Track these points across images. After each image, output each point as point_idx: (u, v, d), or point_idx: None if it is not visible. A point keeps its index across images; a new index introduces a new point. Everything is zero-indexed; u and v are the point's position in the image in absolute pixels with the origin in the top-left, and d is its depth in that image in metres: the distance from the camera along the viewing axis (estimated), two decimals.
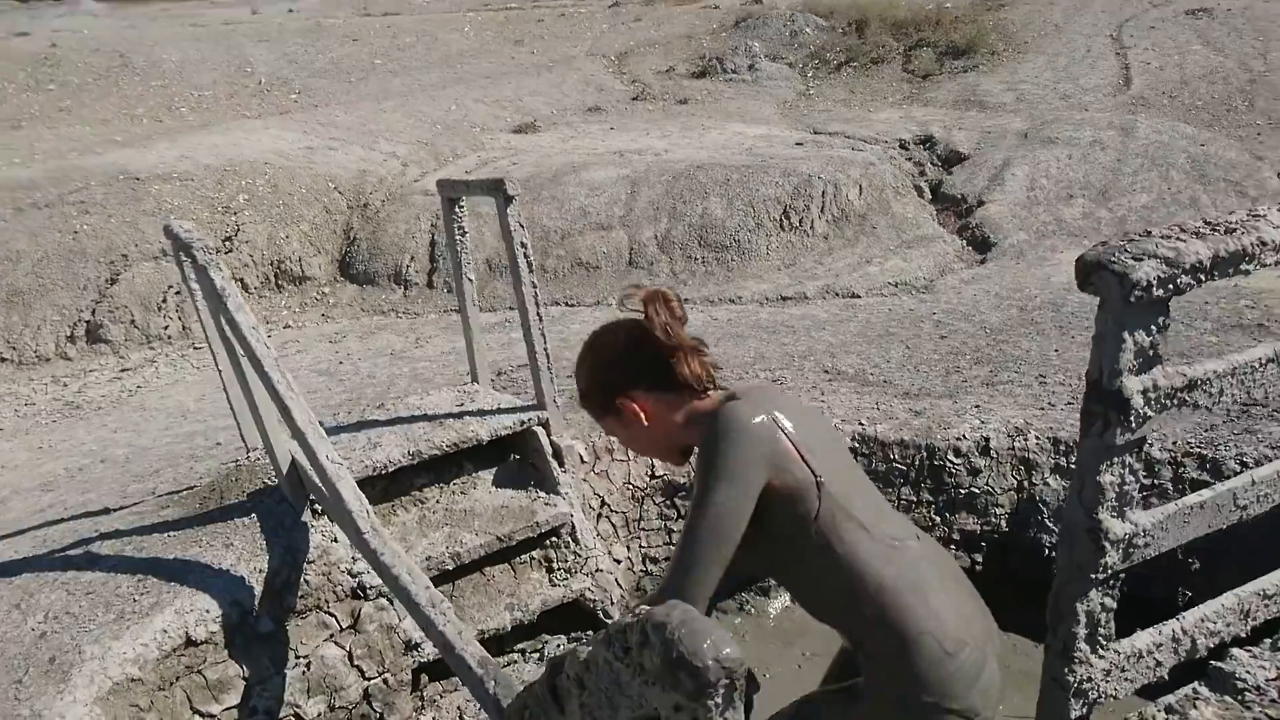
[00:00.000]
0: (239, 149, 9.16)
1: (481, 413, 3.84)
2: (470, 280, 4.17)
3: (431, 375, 5.86)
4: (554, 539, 3.69)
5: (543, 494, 3.73)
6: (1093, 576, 2.12)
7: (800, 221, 7.84)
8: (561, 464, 3.81)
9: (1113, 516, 2.07)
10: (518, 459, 3.94)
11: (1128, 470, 2.06)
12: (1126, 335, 1.90)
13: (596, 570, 3.70)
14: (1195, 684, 2.45)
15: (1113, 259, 1.80)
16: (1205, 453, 3.98)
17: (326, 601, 3.31)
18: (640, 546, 4.46)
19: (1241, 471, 3.80)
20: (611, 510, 4.35)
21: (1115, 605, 2.20)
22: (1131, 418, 2.06)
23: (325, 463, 2.90)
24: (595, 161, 8.87)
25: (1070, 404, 4.66)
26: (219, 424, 5.33)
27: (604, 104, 12.13)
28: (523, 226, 3.64)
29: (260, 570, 3.23)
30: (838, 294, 7.14)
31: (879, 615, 1.72)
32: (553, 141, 10.20)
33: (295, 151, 9.21)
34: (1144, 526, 2.12)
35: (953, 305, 6.57)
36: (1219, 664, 2.45)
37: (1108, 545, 2.07)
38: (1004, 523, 4.25)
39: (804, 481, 1.66)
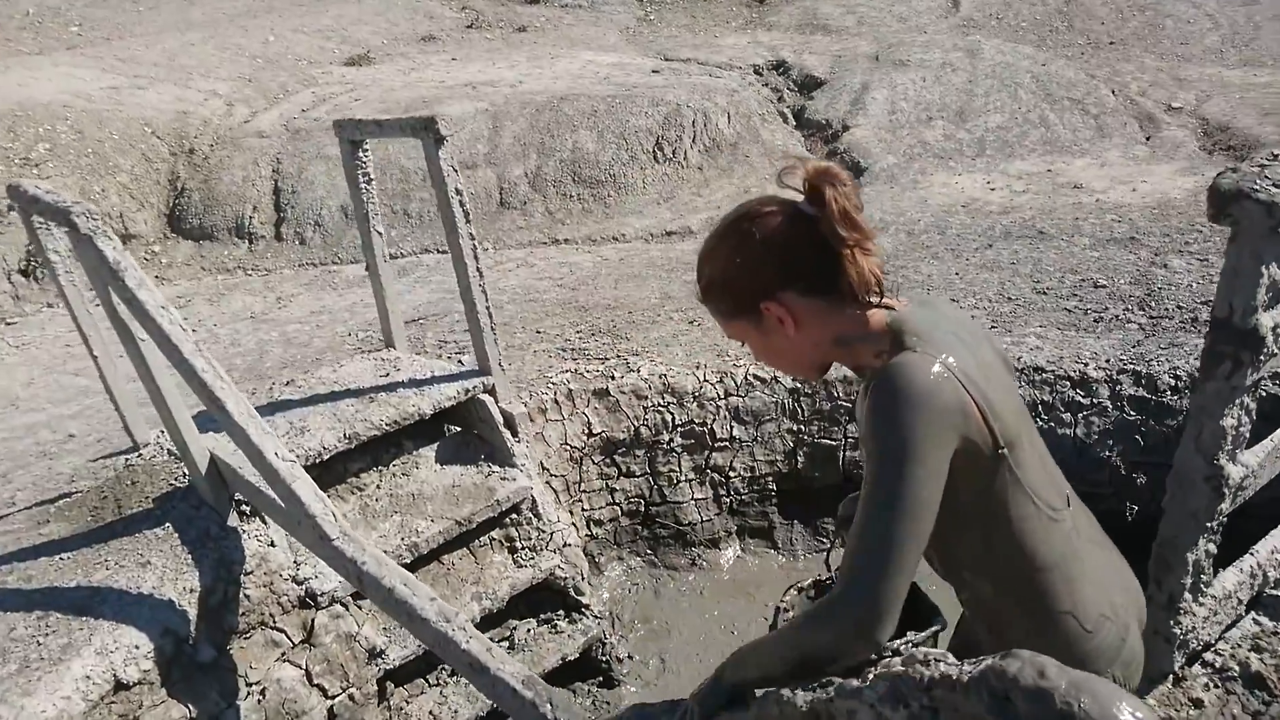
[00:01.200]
0: (27, 90, 7.95)
1: (416, 383, 3.42)
2: (379, 233, 3.69)
3: (308, 339, 5.29)
4: (514, 516, 3.36)
5: (497, 468, 3.38)
6: (1207, 525, 2.03)
7: (674, 153, 7.59)
8: (515, 433, 3.45)
9: (1230, 461, 1.97)
10: (459, 431, 3.55)
11: (1245, 412, 1.96)
12: (1264, 269, 1.76)
13: (564, 545, 3.40)
14: (1252, 614, 2.43)
15: (1255, 187, 1.64)
16: (1139, 369, 4.06)
17: (272, 616, 2.87)
18: (584, 510, 4.19)
19: (1174, 383, 3.90)
20: (551, 475, 4.04)
21: (1216, 550, 2.12)
22: (1263, 356, 1.95)
23: (276, 462, 2.45)
24: (447, 95, 8.26)
25: (993, 328, 4.68)
26: (63, 413, 4.62)
27: (437, 33, 11.35)
28: (456, 170, 3.21)
29: (190, 589, 2.75)
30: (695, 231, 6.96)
31: (1027, 593, 1.55)
32: (392, 74, 9.44)
33: (97, 92, 8.09)
34: (1252, 468, 2.04)
35: None
36: (1275, 593, 2.45)
37: (1226, 491, 1.97)
38: None
39: (985, 450, 1.42)
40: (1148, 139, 7.90)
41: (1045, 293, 5.20)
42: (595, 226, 7.09)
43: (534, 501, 3.38)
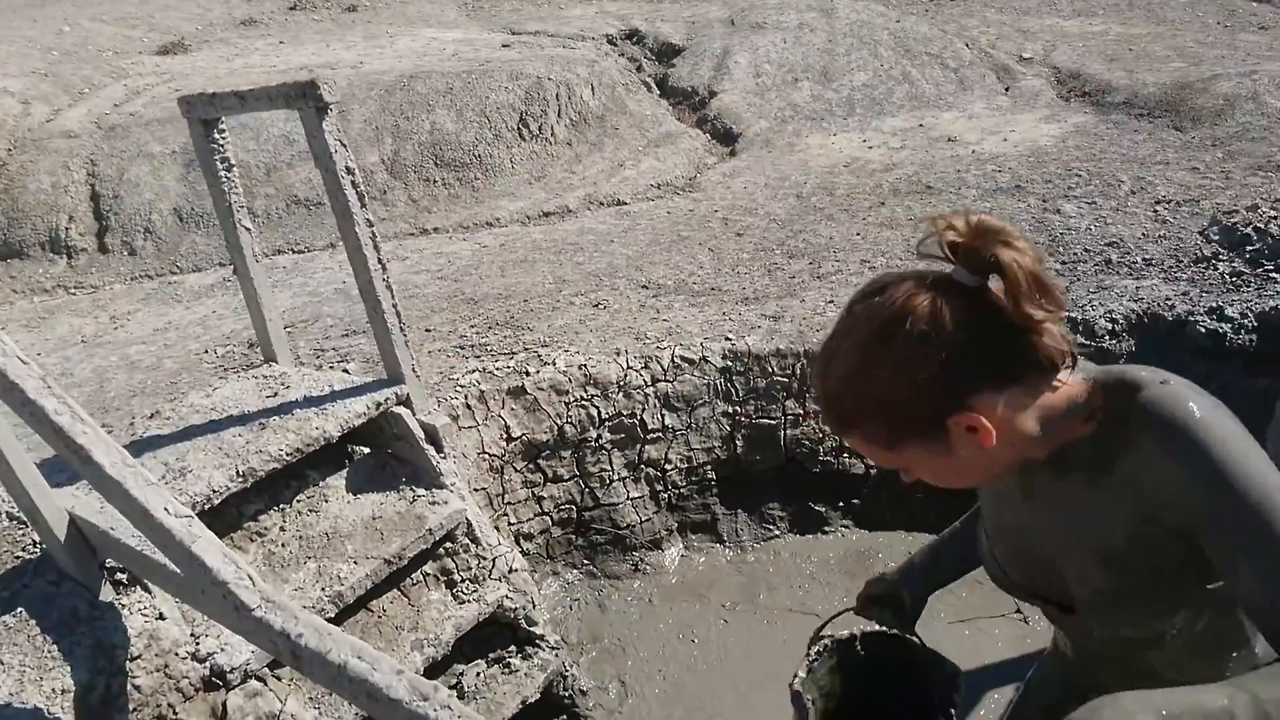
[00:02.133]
0: None
1: (313, 401, 2.89)
2: (247, 229, 3.12)
3: (156, 361, 4.59)
4: (449, 545, 2.89)
5: (423, 491, 2.89)
6: None
7: (540, 129, 7.12)
8: (440, 449, 2.97)
9: None
10: (370, 453, 3.04)
11: None
12: None
13: (510, 570, 2.95)
14: None
15: None
16: (1075, 315, 3.93)
17: (172, 706, 2.32)
18: (510, 524, 3.73)
19: (1112, 328, 3.78)
20: (470, 488, 3.57)
21: None
22: None
23: (169, 520, 1.92)
24: (281, 81, 7.50)
25: None
26: None
27: (257, 16, 10.41)
28: (345, 146, 2.70)
29: (62, 690, 2.18)
30: (602, 203, 6.57)
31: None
32: (214, 62, 8.55)
33: None
34: None
35: (730, 201, 6.24)
36: None
37: None
38: None
39: None
40: (1007, 90, 7.99)
41: None
42: (466, 212, 6.56)
43: (470, 525, 2.91)
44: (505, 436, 3.72)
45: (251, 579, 1.92)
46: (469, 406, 3.70)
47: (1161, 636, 1.22)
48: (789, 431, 3.96)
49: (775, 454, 3.99)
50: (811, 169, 6.74)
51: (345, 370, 3.99)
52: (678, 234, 5.71)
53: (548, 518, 3.79)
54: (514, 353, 4.04)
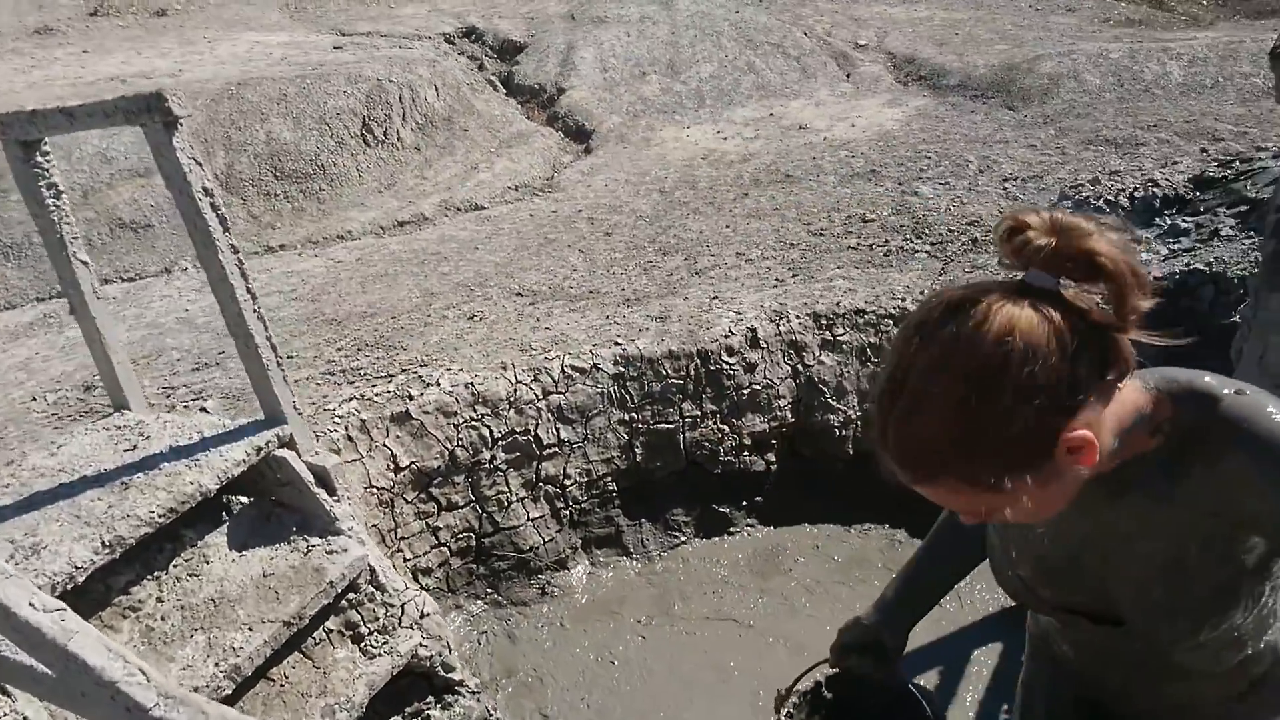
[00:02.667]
0: None
1: (181, 451, 2.58)
2: (84, 262, 2.76)
3: None
4: (352, 596, 2.63)
5: (318, 540, 2.62)
6: None
7: (386, 134, 6.78)
8: (332, 491, 2.70)
9: None
10: (250, 503, 2.74)
11: None
12: None
13: (421, 615, 2.71)
14: None
15: None
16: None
17: None
18: (405, 560, 3.48)
19: None
20: (365, 528, 3.30)
21: None
22: None
23: (37, 617, 1.62)
24: (92, 93, 6.85)
25: (796, 275, 4.47)
26: None
27: (53, 23, 9.52)
28: (200, 164, 2.40)
29: None
30: (460, 209, 6.31)
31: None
32: (8, 75, 7.74)
33: None
34: None
35: (592, 200, 6.10)
36: None
37: None
38: (789, 414, 3.95)
39: None
40: (848, 76, 8.16)
41: (821, 234, 5.09)
42: (313, 226, 6.16)
43: (373, 572, 2.66)
44: (393, 467, 3.46)
45: (144, 673, 1.65)
46: (350, 438, 3.42)
47: (1206, 638, 1.17)
48: (688, 434, 3.86)
49: (676, 458, 3.88)
50: (670, 163, 6.68)
51: (204, 409, 3.63)
52: (544, 237, 5.52)
53: (445, 549, 3.56)
54: (391, 375, 3.77)
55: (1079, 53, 7.67)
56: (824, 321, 4.01)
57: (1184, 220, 4.04)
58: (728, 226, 5.36)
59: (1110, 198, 4.57)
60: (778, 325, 3.97)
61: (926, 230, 4.94)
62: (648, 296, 4.49)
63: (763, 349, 3.93)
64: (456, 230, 5.83)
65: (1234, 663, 1.23)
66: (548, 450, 3.71)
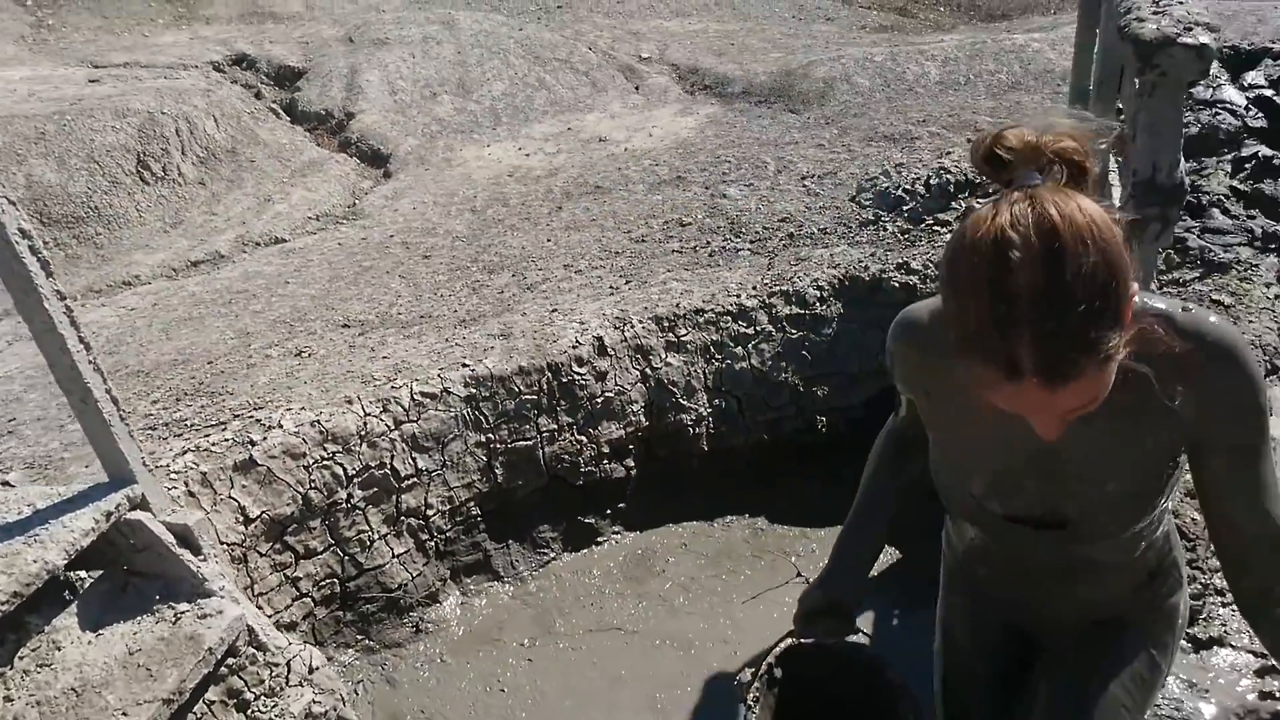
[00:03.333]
0: None
1: (15, 528, 2.29)
2: None
3: None
4: (233, 660, 2.42)
5: (186, 605, 2.39)
6: None
7: (165, 169, 6.30)
8: (197, 551, 2.48)
9: None
10: (100, 576, 2.47)
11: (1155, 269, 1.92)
12: (1186, 119, 1.70)
13: (310, 670, 2.53)
14: None
15: (1180, 35, 1.55)
16: (786, 288, 4.16)
17: None
18: (267, 615, 3.24)
19: (820, 294, 4.05)
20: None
21: None
22: (1183, 211, 1.90)
23: None
24: None
25: (629, 282, 4.53)
26: None
27: None
28: (14, 205, 2.15)
29: None
30: (260, 243, 5.96)
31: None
32: None
33: None
34: None
35: (402, 224, 5.93)
36: None
37: None
38: (642, 418, 3.99)
39: None
40: (637, 88, 8.35)
41: (643, 240, 5.18)
42: (93, 274, 5.64)
43: (252, 631, 2.46)
44: (242, 519, 3.21)
45: None
46: (191, 494, 3.15)
47: (1128, 536, 1.31)
48: (547, 449, 3.82)
49: (537, 475, 3.82)
50: (476, 182, 6.59)
51: (6, 483, 3.24)
52: (359, 265, 5.31)
53: (308, 599, 3.34)
54: (224, 423, 3.51)
55: (847, 57, 8.20)
56: (666, 324, 4.07)
57: (977, 203, 4.39)
58: (549, 240, 5.35)
59: (908, 186, 4.92)
60: (622, 331, 4.00)
61: (743, 229, 5.13)
62: (483, 315, 4.41)
63: (611, 356, 3.95)
64: (261, 266, 5.50)
65: (1139, 552, 1.37)
66: (406, 482, 3.56)
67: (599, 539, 3.95)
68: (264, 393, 3.76)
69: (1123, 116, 2.56)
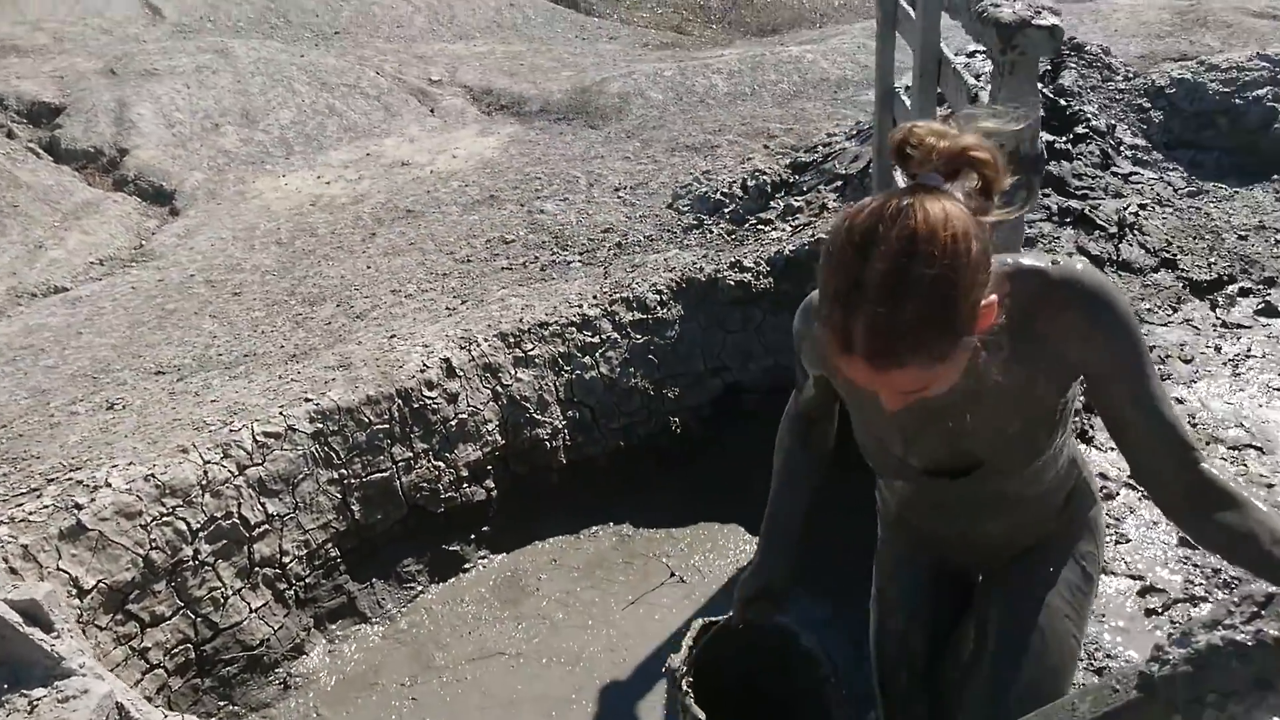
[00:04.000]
0: None
1: None
2: None
3: None
4: None
5: (42, 690, 2.13)
6: None
7: None
8: (49, 628, 2.20)
9: None
10: None
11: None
12: (1042, 93, 1.86)
13: None
14: None
15: (1034, 18, 1.72)
16: (626, 295, 4.21)
17: None
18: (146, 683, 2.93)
19: (660, 298, 4.14)
20: None
21: None
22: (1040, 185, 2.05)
23: None
24: None
25: (465, 301, 4.45)
26: None
27: None
28: None
29: None
30: (37, 294, 5.40)
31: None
32: None
33: None
34: None
35: (202, 262, 5.54)
36: None
37: None
38: (498, 436, 3.91)
39: None
40: (433, 111, 8.21)
41: (469, 260, 5.10)
42: None
43: (121, 708, 2.22)
44: (76, 591, 2.89)
45: None
46: (14, 570, 2.81)
47: (1037, 466, 1.43)
48: (404, 479, 3.67)
49: (396, 506, 3.67)
50: (277, 213, 6.26)
51: None
52: (161, 309, 4.92)
53: (160, 671, 3.05)
54: (37, 490, 3.15)
55: (639, 73, 8.41)
56: (512, 340, 4.02)
57: (795, 200, 4.62)
58: (369, 267, 5.16)
59: (725, 190, 5.10)
60: (469, 351, 3.92)
61: (569, 242, 5.15)
62: (314, 349, 4.20)
63: (460, 377, 3.85)
64: (44, 318, 4.98)
65: (1049, 480, 1.50)
66: (257, 530, 3.33)
67: (466, 565, 3.83)
68: (78, 452, 3.41)
69: (947, 105, 2.77)
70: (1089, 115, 4.12)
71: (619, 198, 5.91)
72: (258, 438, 3.40)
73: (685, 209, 5.31)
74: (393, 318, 4.41)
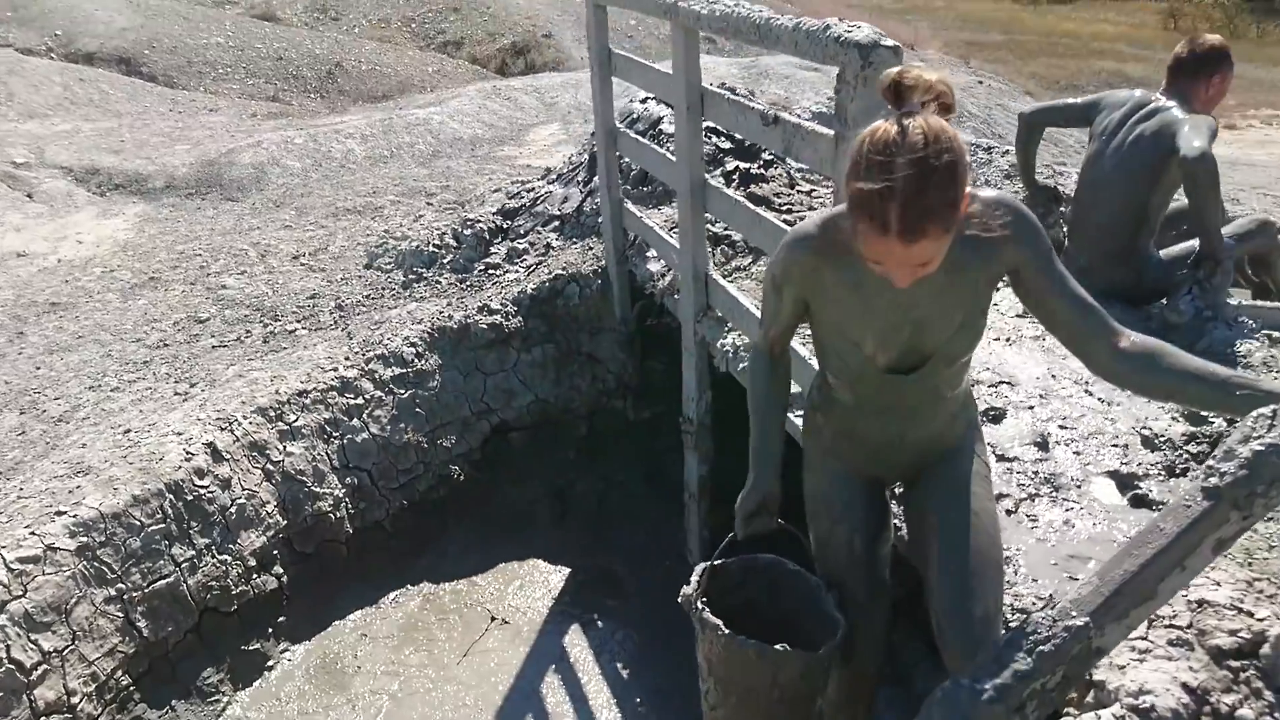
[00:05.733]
0: None
1: None
2: None
3: None
4: None
5: None
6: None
7: None
8: None
9: None
10: None
11: None
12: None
13: None
14: None
15: (879, 39, 2.13)
16: (380, 351, 4.10)
17: None
18: None
19: (416, 349, 4.13)
20: None
21: None
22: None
23: None
24: None
25: (195, 385, 4.05)
26: None
27: None
28: None
29: None
30: None
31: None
32: None
33: None
34: None
35: None
36: None
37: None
38: (279, 517, 3.62)
39: None
40: (30, 195, 7.21)
41: (166, 345, 4.66)
42: None
43: None
44: None
45: None
46: None
47: (963, 363, 1.84)
48: (190, 580, 3.27)
49: (186, 614, 3.25)
50: None
51: None
52: None
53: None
54: None
55: (267, 142, 8.05)
56: (273, 413, 3.75)
57: (517, 244, 4.79)
58: (37, 369, 4.48)
59: (436, 242, 5.12)
60: (232, 431, 3.60)
61: (278, 313, 4.87)
62: (21, 461, 3.61)
63: (229, 459, 3.53)
64: None
65: (965, 382, 1.90)
66: (35, 673, 2.80)
67: (270, 664, 3.48)
68: None
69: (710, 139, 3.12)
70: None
71: (302, 265, 5.67)
72: (11, 565, 2.87)
73: (389, 266, 5.25)
74: (108, 414, 3.88)
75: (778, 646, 1.86)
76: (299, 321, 4.69)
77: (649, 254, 4.13)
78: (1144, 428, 2.70)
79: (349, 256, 5.67)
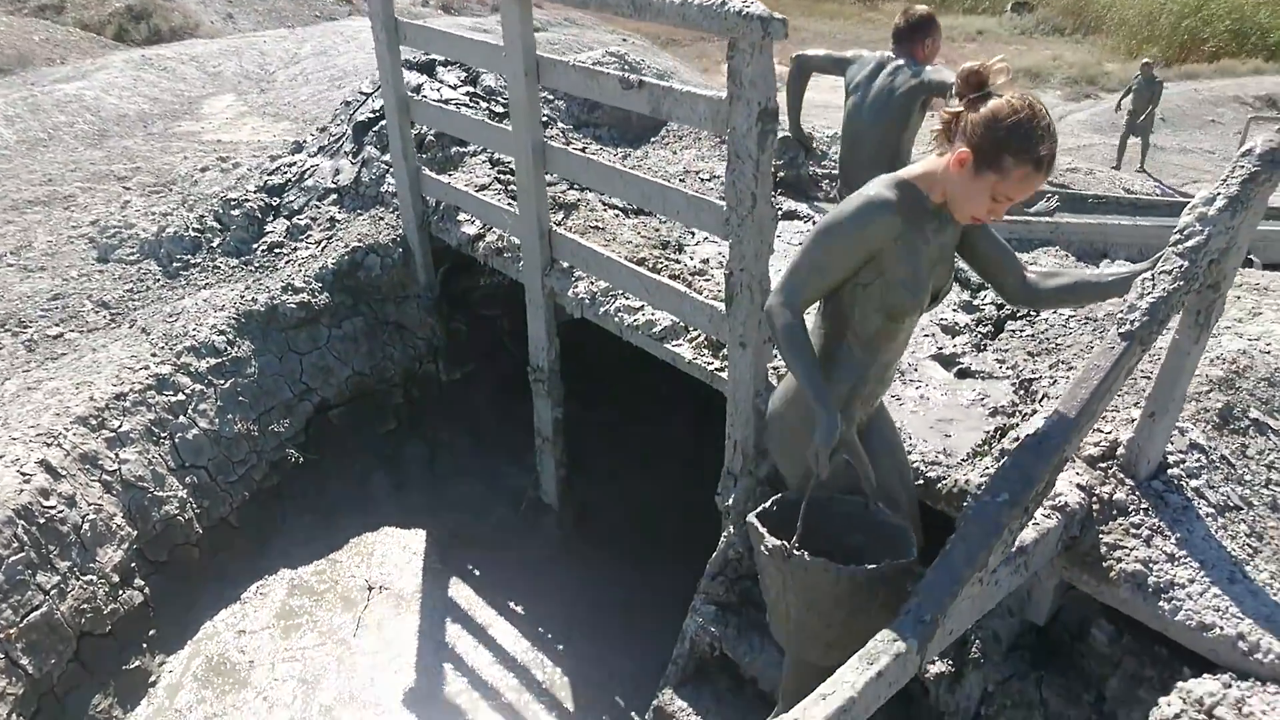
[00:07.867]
0: None
1: None
2: None
3: None
4: None
5: None
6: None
7: None
8: None
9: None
10: None
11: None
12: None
13: None
14: None
15: (774, 13, 2.58)
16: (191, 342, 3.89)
17: None
18: None
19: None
20: None
21: None
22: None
23: None
24: None
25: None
26: None
27: None
28: None
29: None
30: None
31: None
32: None
33: None
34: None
35: None
36: None
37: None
38: (129, 527, 3.38)
39: None
40: None
41: None
42: None
43: None
44: None
45: None
46: None
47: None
48: (61, 607, 3.01)
49: (65, 643, 2.99)
50: None
51: None
52: None
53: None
54: None
55: None
56: (94, 422, 3.47)
57: (298, 220, 4.65)
58: None
59: (196, 226, 4.79)
60: (59, 445, 3.30)
61: (22, 318, 4.36)
62: None
63: (66, 476, 3.24)
64: None
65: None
66: None
67: (152, 680, 3.28)
68: None
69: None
70: None
71: (14, 267, 5.04)
72: None
73: (133, 258, 4.84)
74: None
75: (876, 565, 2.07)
76: (58, 325, 4.25)
77: (460, 218, 4.26)
78: (941, 319, 3.42)
79: (67, 252, 5.12)
